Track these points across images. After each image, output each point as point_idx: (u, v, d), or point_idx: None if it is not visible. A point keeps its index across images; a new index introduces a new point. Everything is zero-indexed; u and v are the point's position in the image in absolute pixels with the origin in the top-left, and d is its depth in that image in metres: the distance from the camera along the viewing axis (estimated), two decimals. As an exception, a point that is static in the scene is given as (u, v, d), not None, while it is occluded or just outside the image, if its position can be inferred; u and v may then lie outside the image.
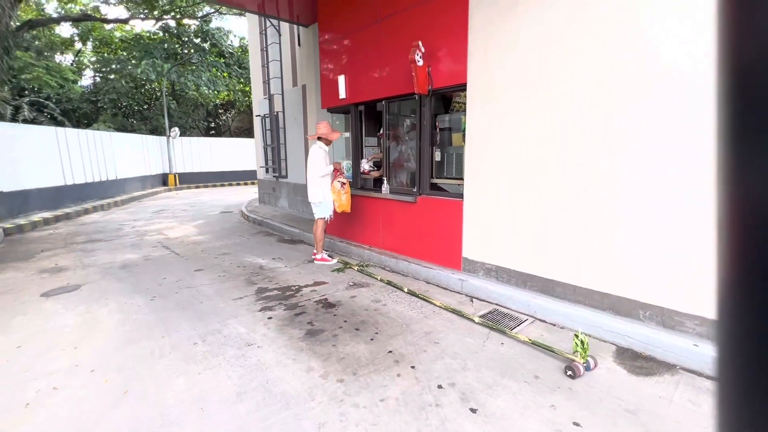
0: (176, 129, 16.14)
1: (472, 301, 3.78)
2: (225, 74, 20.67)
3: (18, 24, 14.04)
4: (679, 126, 2.57)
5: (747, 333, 0.30)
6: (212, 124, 24.37)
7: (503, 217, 3.68)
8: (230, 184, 18.70)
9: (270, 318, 3.35)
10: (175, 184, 16.63)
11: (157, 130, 18.54)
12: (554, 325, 3.21)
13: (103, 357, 2.69)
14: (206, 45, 19.28)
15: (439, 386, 2.35)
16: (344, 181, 5.04)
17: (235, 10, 16.85)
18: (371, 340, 2.95)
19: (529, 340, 2.85)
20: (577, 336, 2.53)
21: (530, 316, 3.37)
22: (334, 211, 5.07)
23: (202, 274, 4.65)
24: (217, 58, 19.89)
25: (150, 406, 2.16)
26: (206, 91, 19.26)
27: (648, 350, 2.73)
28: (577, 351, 2.50)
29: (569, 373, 2.45)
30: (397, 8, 4.44)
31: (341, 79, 5.33)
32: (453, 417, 2.08)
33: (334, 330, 3.11)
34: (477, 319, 3.23)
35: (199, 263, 5.15)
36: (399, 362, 2.63)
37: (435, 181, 4.56)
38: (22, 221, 7.91)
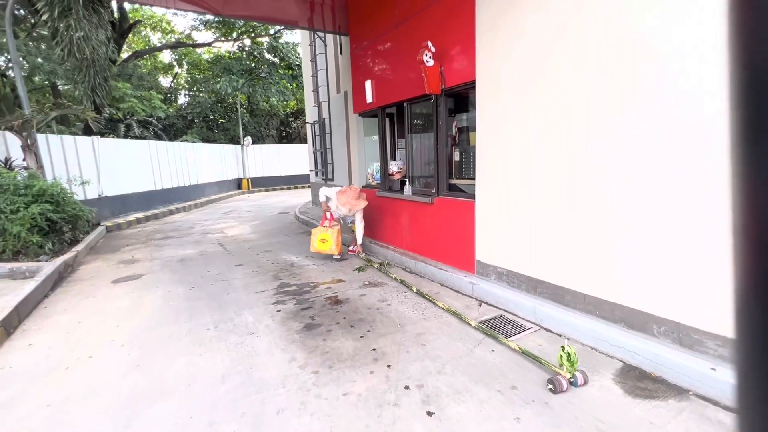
0: (249, 138, 17.81)
1: (480, 305, 3.64)
2: (294, 85, 22.24)
3: (126, 55, 16.80)
4: (696, 129, 2.23)
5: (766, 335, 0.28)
6: (284, 132, 26.37)
7: (514, 218, 3.49)
8: (296, 187, 20.05)
9: (279, 311, 3.62)
10: (248, 188, 18.35)
11: (234, 140, 20.64)
12: (560, 335, 2.96)
13: (134, 335, 3.18)
14: (276, 59, 20.93)
15: (406, 387, 2.35)
16: (327, 225, 5.31)
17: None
18: (361, 337, 3.04)
19: (520, 348, 2.68)
20: (563, 348, 2.34)
21: (536, 324, 3.16)
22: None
23: (240, 269, 5.14)
24: (285, 71, 21.50)
25: (151, 378, 2.52)
26: (275, 102, 20.91)
27: (658, 370, 2.40)
28: (563, 364, 2.31)
29: (550, 386, 2.27)
30: (412, 11, 4.45)
31: (368, 84, 5.49)
32: (406, 417, 2.08)
33: (330, 325, 3.26)
34: (474, 324, 3.12)
35: (241, 259, 5.70)
36: (378, 360, 2.68)
37: (454, 181, 4.47)
38: (120, 220, 9.45)
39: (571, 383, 2.28)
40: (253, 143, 19.14)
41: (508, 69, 3.34)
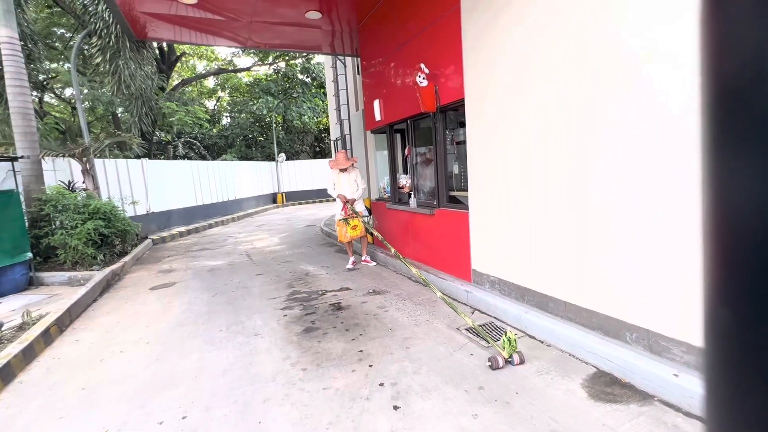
0: (283, 155, 18.82)
1: (473, 312, 3.78)
2: (326, 103, 23.26)
3: (176, 83, 18.50)
4: (663, 146, 2.32)
5: (733, 337, 0.28)
6: (317, 148, 27.48)
7: (502, 229, 3.62)
8: (327, 200, 20.77)
9: (285, 315, 3.96)
10: (283, 202, 19.30)
11: (270, 156, 21.84)
12: (542, 342, 3.05)
13: (159, 334, 3.64)
14: (308, 79, 22.05)
15: (381, 384, 2.57)
16: (345, 216, 5.48)
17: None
18: (352, 340, 3.29)
19: (473, 324, 2.82)
20: (506, 334, 2.70)
21: (521, 330, 3.25)
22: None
23: (260, 278, 5.59)
24: (317, 89, 22.55)
25: (167, 370, 2.93)
26: (307, 120, 21.95)
27: (627, 376, 2.45)
28: (504, 347, 2.66)
29: (489, 363, 2.66)
30: (409, 36, 4.76)
31: (376, 103, 5.83)
32: (374, 410, 2.30)
33: (327, 329, 3.54)
34: (460, 330, 3.28)
35: (263, 269, 6.17)
36: (362, 360, 2.92)
37: (454, 193, 4.65)
38: (165, 234, 10.40)
39: (507, 362, 2.67)
40: (287, 159, 20.16)
41: (491, 87, 3.53)
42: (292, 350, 3.15)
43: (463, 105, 4.00)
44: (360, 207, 5.78)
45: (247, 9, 5.59)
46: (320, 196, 20.78)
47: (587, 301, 2.84)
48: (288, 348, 3.20)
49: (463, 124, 4.72)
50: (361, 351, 3.07)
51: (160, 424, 2.29)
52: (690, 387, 2.12)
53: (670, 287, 2.31)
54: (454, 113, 4.47)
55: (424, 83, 4.19)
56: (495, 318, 3.56)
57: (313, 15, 5.79)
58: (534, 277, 3.32)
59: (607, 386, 2.43)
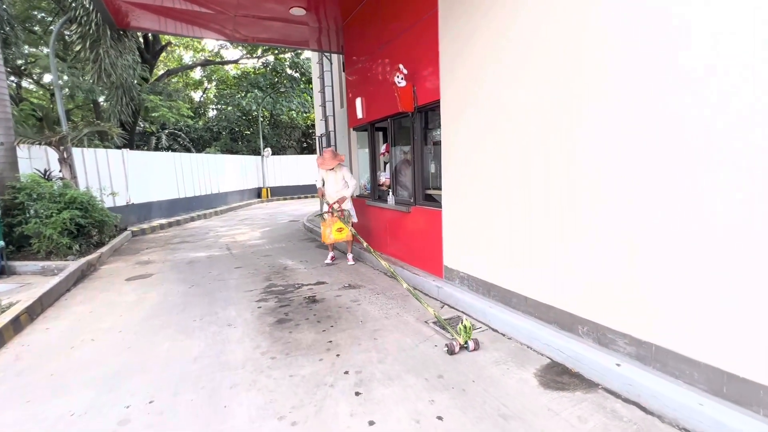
0: (268, 149, 18.73)
1: (442, 307, 3.92)
2: (314, 98, 23.19)
3: (161, 73, 18.18)
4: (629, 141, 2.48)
5: None
6: (305, 143, 27.35)
7: (471, 227, 3.76)
8: (313, 196, 20.73)
9: (259, 307, 4.03)
10: (268, 197, 19.21)
11: (256, 151, 21.68)
12: (504, 335, 3.20)
13: (132, 323, 3.67)
14: (297, 74, 21.93)
15: (346, 372, 2.68)
16: (329, 212, 5.47)
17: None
18: (323, 331, 3.39)
19: (435, 314, 2.95)
20: (462, 322, 2.94)
21: (485, 324, 3.41)
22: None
23: (238, 271, 5.63)
24: (306, 85, 22.45)
25: (137, 357, 2.98)
26: (295, 115, 21.85)
27: (577, 367, 2.61)
28: (461, 334, 2.89)
29: (446, 348, 2.88)
30: (391, 37, 4.87)
31: (358, 101, 5.92)
32: (336, 396, 2.41)
33: (299, 321, 3.63)
34: (428, 323, 3.41)
35: (242, 262, 6.20)
36: (330, 350, 3.02)
37: (430, 192, 4.78)
38: (145, 226, 10.28)
39: (463, 347, 2.91)
40: (273, 154, 20.05)
41: (465, 91, 3.66)
42: (263, 340, 3.23)
43: (440, 106, 4.13)
44: (348, 205, 5.69)
45: (233, 2, 5.59)
46: (305, 191, 20.75)
47: (545, 297, 3.01)
48: (259, 338, 3.27)
49: (440, 125, 4.86)
50: (330, 341, 3.17)
51: (126, 407, 2.34)
52: (630, 375, 2.29)
53: (615, 283, 2.47)
54: (431, 113, 4.59)
55: (403, 83, 4.30)
56: (462, 312, 3.70)
57: (298, 11, 5.83)
58: (498, 274, 3.48)
59: (558, 376, 2.59)
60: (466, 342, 2.89)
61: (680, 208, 2.11)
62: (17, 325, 3.54)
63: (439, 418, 2.18)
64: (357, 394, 2.42)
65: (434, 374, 2.63)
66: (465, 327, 2.90)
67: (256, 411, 2.28)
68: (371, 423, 2.15)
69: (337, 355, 2.93)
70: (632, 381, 2.27)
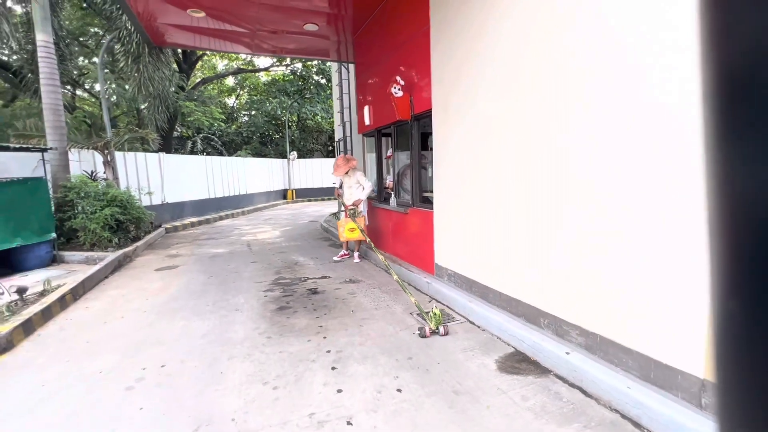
0: (294, 153, 19.54)
1: (430, 301, 4.21)
2: (339, 103, 23.91)
3: (197, 82, 19.44)
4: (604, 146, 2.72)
5: (743, 335, 0.28)
6: (330, 147, 28.16)
7: (457, 227, 4.04)
8: (335, 198, 21.38)
9: (266, 296, 4.48)
10: (293, 198, 20.01)
11: (284, 154, 22.61)
12: (479, 327, 3.46)
13: (155, 306, 4.22)
14: (323, 80, 22.72)
15: (328, 351, 3.05)
16: (346, 211, 5.84)
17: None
18: (317, 317, 3.78)
19: (416, 303, 3.25)
20: (433, 309, 3.26)
21: (465, 317, 3.67)
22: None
23: (253, 265, 6.15)
24: (332, 91, 23.21)
25: (156, 333, 3.49)
26: (320, 120, 22.62)
27: (535, 355, 2.85)
28: (432, 320, 3.20)
29: (418, 332, 3.22)
30: (392, 48, 5.22)
31: (366, 109, 6.31)
32: (315, 369, 2.78)
33: (298, 308, 4.04)
34: (413, 315, 3.72)
35: (258, 257, 6.73)
36: (319, 333, 3.40)
37: (427, 194, 5.08)
38: (177, 223, 11.14)
39: (434, 332, 3.21)
40: (300, 157, 20.87)
41: (451, 100, 3.96)
42: (263, 323, 3.66)
43: (431, 115, 4.43)
44: (363, 207, 6.02)
45: (252, 20, 6.15)
46: (329, 193, 21.36)
47: (514, 292, 3.25)
48: (260, 321, 3.71)
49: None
50: (321, 326, 3.55)
51: (143, 369, 2.83)
52: (576, 363, 2.52)
53: (569, 278, 2.70)
54: (427, 121, 4.90)
55: (399, 94, 4.64)
56: (447, 306, 3.98)
57: (311, 27, 6.32)
58: (479, 271, 3.73)
59: (518, 363, 2.83)
60: (437, 327, 3.19)
61: (612, 214, 2.33)
62: (63, 302, 4.17)
63: (399, 390, 2.50)
64: (333, 368, 2.78)
65: (405, 356, 2.95)
66: (435, 314, 3.21)
67: (246, 377, 2.69)
68: (339, 391, 2.50)
69: (324, 338, 3.30)
70: (577, 368, 2.49)
